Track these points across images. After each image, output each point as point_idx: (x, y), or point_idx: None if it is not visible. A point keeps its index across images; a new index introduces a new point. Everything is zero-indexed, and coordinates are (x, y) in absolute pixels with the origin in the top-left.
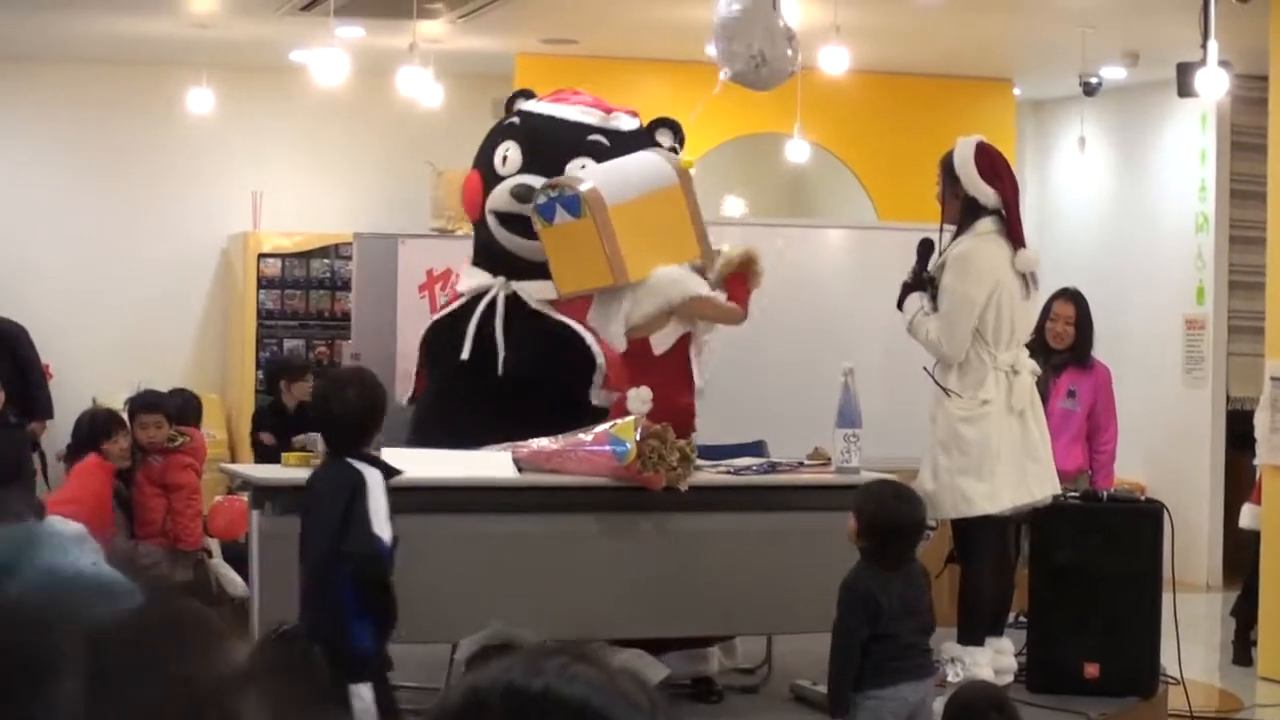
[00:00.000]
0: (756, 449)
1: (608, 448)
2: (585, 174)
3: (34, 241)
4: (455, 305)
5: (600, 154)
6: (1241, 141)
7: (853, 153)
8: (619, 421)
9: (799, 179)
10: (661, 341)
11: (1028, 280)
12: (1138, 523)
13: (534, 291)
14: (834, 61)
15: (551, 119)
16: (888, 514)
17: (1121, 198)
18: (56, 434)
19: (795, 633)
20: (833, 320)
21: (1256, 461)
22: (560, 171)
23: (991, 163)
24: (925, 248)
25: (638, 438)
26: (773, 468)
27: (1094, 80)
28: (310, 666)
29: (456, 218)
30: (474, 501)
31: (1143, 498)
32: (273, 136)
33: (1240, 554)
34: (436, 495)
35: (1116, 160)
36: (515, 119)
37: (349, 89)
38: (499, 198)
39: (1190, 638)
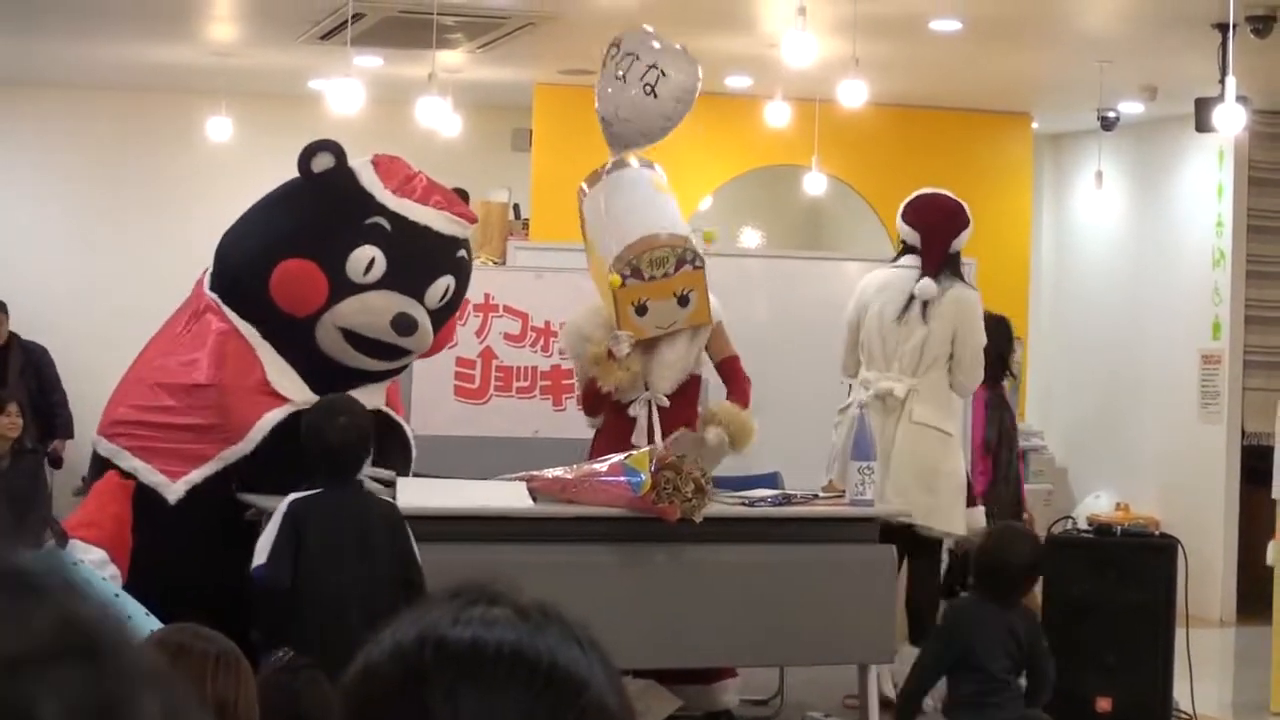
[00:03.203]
0: (771, 481)
1: (623, 478)
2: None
3: (52, 265)
4: (281, 415)
5: (462, 271)
6: (1259, 177)
7: (870, 185)
8: (634, 453)
9: (816, 211)
10: None
11: (910, 304)
12: (1151, 557)
13: (364, 399)
14: (852, 94)
15: (426, 231)
16: (991, 553)
17: (1139, 232)
18: (76, 457)
19: (808, 664)
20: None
21: (1276, 495)
22: (421, 290)
23: (917, 207)
24: None
25: (653, 469)
26: (787, 500)
27: (1112, 115)
28: (320, 694)
29: (475, 246)
30: (488, 531)
31: (1156, 532)
32: (292, 164)
33: (1260, 589)
34: (451, 525)
35: (1134, 195)
36: (382, 220)
37: (368, 118)
38: (360, 317)
39: (1203, 673)
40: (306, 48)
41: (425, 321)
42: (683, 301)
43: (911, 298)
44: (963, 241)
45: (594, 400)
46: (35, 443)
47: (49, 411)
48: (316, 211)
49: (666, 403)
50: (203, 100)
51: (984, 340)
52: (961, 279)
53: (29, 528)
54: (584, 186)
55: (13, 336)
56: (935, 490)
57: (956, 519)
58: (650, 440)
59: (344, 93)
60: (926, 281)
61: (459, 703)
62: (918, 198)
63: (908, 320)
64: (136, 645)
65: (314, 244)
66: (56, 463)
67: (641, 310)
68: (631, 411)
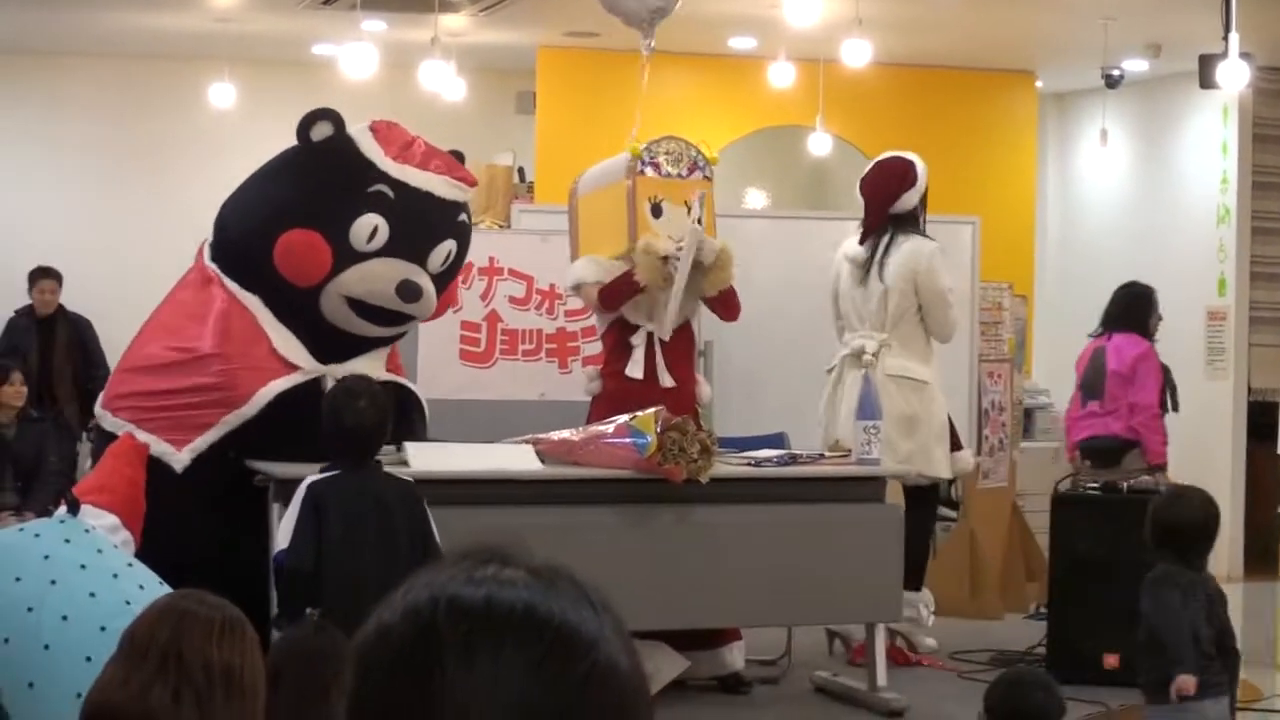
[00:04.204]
0: (777, 441)
1: (629, 440)
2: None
3: (56, 234)
4: (286, 385)
5: (463, 234)
6: (1263, 134)
7: (874, 145)
8: (640, 414)
9: (821, 171)
10: (598, 322)
11: (862, 267)
12: None
13: (362, 368)
14: (856, 54)
15: (428, 197)
16: (1165, 514)
17: (1143, 190)
18: None
19: (816, 624)
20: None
21: None
22: (424, 255)
23: (867, 174)
24: None
25: (658, 430)
26: (793, 459)
27: (1116, 72)
28: (344, 655)
29: (478, 210)
30: (495, 494)
31: (1163, 488)
32: (294, 130)
33: (1266, 544)
34: (457, 488)
35: (1138, 152)
36: (384, 188)
37: (371, 82)
38: (365, 285)
39: None
40: (309, 13)
41: (429, 287)
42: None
43: (867, 261)
44: (909, 201)
45: (616, 296)
46: (39, 413)
47: (94, 385)
48: (318, 181)
49: (667, 337)
50: (206, 67)
51: (945, 285)
52: (917, 234)
53: (34, 496)
54: (573, 188)
55: (60, 308)
56: (914, 436)
57: (939, 462)
58: (646, 374)
59: (355, 57)
60: (852, 246)
61: (473, 660)
62: (872, 164)
63: (868, 282)
64: None
65: (317, 214)
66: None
67: (657, 211)
68: (633, 340)
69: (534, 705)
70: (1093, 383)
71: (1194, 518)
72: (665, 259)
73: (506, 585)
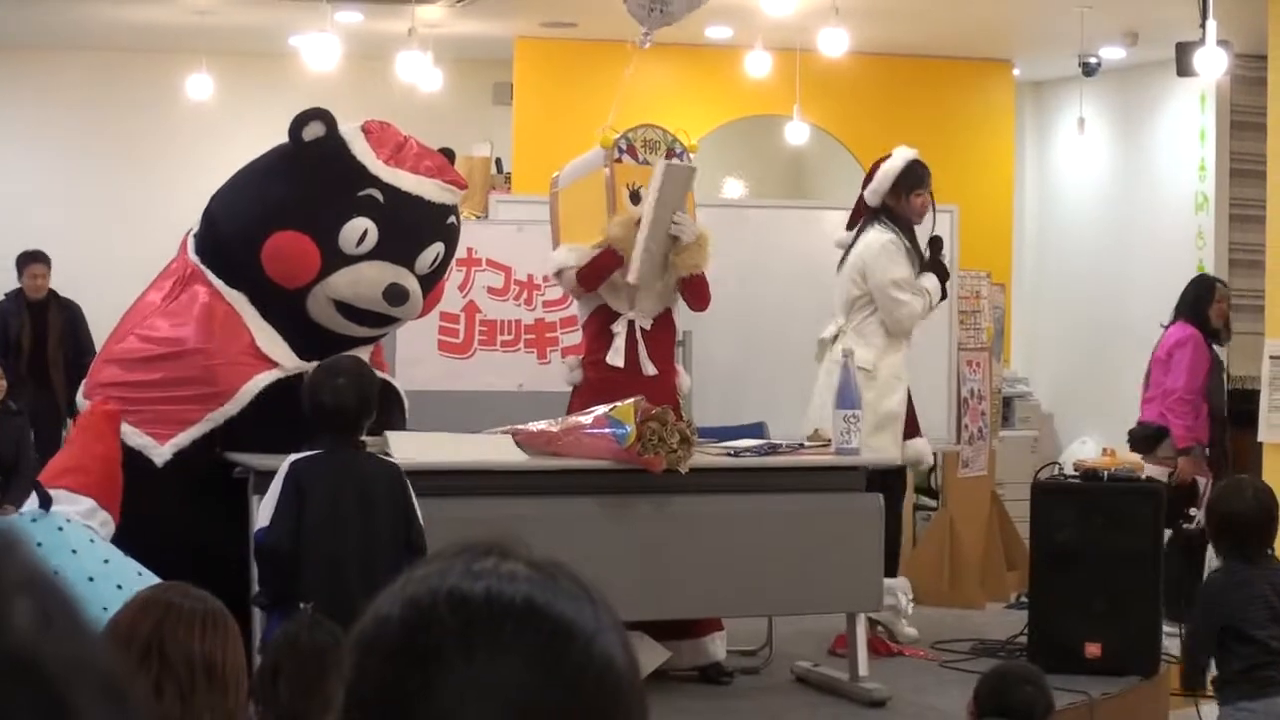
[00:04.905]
0: (756, 431)
1: (608, 430)
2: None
3: (36, 225)
4: (270, 379)
5: (452, 236)
6: (1241, 121)
7: (852, 134)
8: (619, 405)
9: (798, 160)
10: (580, 311)
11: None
12: (1139, 502)
13: None
14: (833, 43)
15: (418, 201)
16: (1217, 509)
17: (1121, 178)
18: None
19: (796, 614)
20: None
21: (1261, 438)
22: (411, 258)
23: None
24: (936, 244)
25: (638, 420)
26: (773, 449)
27: (1093, 60)
28: (338, 647)
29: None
30: (475, 485)
31: (1144, 476)
32: (272, 122)
33: None
34: (435, 479)
35: (1116, 140)
36: (375, 192)
37: (348, 74)
38: (352, 289)
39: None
40: (286, 4)
41: (416, 290)
42: None
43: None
44: (875, 195)
45: (595, 272)
46: (19, 406)
47: (84, 372)
48: (309, 183)
49: (648, 325)
50: (183, 59)
51: (888, 277)
52: (881, 226)
53: (13, 490)
54: (553, 182)
55: (51, 293)
56: None
57: (883, 448)
58: (628, 363)
59: (320, 49)
60: (842, 232)
61: (471, 651)
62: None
63: (838, 270)
64: (16, 552)
65: (307, 216)
66: None
67: (635, 198)
68: (614, 328)
69: (531, 697)
70: (1148, 371)
71: (1246, 509)
72: (638, 222)
73: (506, 578)
